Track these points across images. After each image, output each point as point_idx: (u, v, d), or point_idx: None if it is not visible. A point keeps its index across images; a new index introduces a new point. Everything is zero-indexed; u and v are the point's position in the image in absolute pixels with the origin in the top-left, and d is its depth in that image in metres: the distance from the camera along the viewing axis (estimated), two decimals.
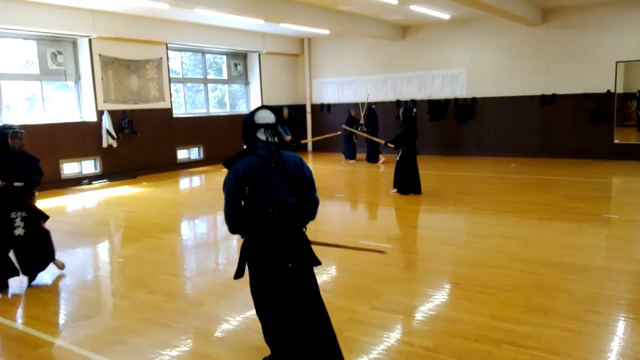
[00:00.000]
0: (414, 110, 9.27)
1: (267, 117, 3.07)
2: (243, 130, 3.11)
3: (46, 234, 5.20)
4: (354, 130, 13.21)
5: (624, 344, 3.49)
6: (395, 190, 9.14)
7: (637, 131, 13.42)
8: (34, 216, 5.08)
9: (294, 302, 3.00)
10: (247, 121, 3.09)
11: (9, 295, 4.85)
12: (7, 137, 4.81)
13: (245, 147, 3.11)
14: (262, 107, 3.13)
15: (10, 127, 4.85)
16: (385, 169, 12.63)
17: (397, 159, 9.12)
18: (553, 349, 3.38)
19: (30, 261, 5.01)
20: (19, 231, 4.93)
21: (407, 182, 9.03)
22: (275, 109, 3.17)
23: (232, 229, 3.09)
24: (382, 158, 13.73)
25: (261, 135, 3.05)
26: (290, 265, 3.01)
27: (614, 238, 6.28)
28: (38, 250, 5.07)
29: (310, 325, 3.03)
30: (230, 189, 3.00)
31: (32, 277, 5.08)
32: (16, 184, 4.81)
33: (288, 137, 9.87)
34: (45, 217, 5.22)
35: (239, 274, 3.13)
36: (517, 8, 11.30)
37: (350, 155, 14.39)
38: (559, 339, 3.53)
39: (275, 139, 3.07)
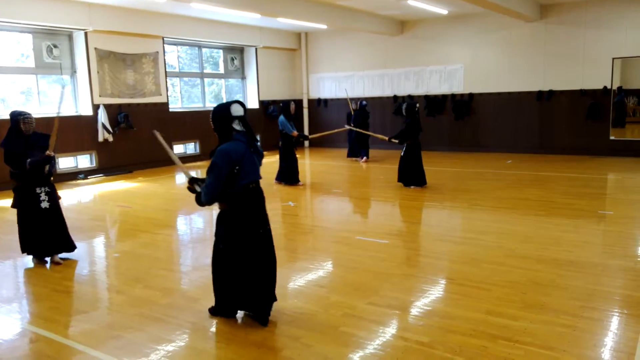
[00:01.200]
0: (417, 105, 9.32)
1: (240, 110, 3.74)
2: (218, 122, 3.74)
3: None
4: (361, 130, 12.38)
5: (618, 339, 3.50)
6: (401, 183, 9.41)
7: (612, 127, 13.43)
8: (55, 191, 5.55)
9: (264, 256, 3.84)
10: (224, 114, 3.71)
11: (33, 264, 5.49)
12: (19, 122, 5.22)
13: (220, 137, 3.75)
14: (235, 101, 3.75)
15: (20, 113, 5.29)
16: (366, 166, 12.59)
17: (402, 154, 9.32)
18: (548, 345, 3.39)
19: (55, 234, 5.49)
20: (45, 204, 5.38)
21: (410, 175, 9.26)
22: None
23: (211, 202, 3.76)
24: (364, 157, 13.18)
25: (237, 126, 3.73)
26: (265, 228, 3.84)
27: (610, 234, 6.30)
28: (62, 223, 5.58)
29: (269, 271, 3.90)
30: (224, 169, 3.63)
31: (58, 252, 5.58)
32: (48, 152, 5.23)
33: (295, 132, 9.83)
34: (58, 197, 5.65)
35: (225, 241, 3.79)
36: (514, 4, 11.29)
37: (355, 153, 13.76)
38: (554, 334, 3.54)
39: (244, 128, 3.76)
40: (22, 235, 5.47)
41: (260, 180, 3.90)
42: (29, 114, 5.30)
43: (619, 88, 13.54)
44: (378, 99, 15.73)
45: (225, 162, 3.62)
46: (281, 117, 9.70)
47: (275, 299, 3.99)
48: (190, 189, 4.01)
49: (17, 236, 5.51)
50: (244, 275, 3.78)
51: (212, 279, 3.97)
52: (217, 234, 3.88)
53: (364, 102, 13.45)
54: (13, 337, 3.84)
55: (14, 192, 5.39)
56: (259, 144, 3.94)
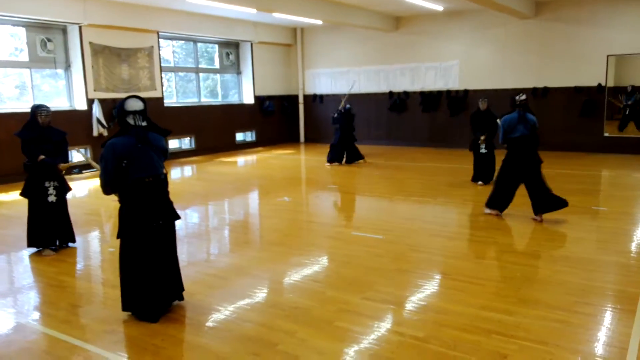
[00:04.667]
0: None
1: (135, 105, 3.82)
2: (117, 116, 3.87)
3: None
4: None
5: (611, 334, 3.53)
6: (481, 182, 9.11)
7: (619, 130, 13.43)
8: (65, 185, 5.80)
9: (160, 250, 3.86)
10: (119, 108, 3.82)
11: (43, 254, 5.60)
12: (37, 114, 5.46)
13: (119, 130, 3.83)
14: (132, 96, 3.86)
15: (38, 106, 5.53)
16: (332, 169, 11.75)
17: (486, 151, 9.05)
18: (542, 339, 3.42)
19: (60, 227, 5.72)
20: (52, 198, 5.61)
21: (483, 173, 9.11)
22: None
23: (106, 193, 3.89)
24: (333, 163, 11.99)
25: (130, 120, 3.81)
26: (161, 222, 3.85)
27: (603, 230, 6.34)
28: (67, 217, 5.82)
29: (167, 265, 3.91)
30: (109, 161, 3.70)
31: (61, 243, 5.81)
32: (61, 165, 5.60)
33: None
34: (69, 188, 5.92)
35: (120, 234, 3.84)
36: (509, 1, 11.29)
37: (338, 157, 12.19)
38: (548, 329, 3.57)
39: (144, 122, 3.85)
40: (29, 226, 5.63)
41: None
42: (47, 107, 5.53)
43: (633, 87, 13.32)
44: (373, 95, 15.73)
45: (110, 155, 3.70)
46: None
47: (179, 298, 4.06)
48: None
49: (12, 230, 5.52)
50: (135, 270, 3.81)
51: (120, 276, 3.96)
52: (119, 227, 3.92)
53: (348, 106, 12.11)
54: (8, 331, 3.83)
55: (25, 183, 5.62)
56: (162, 139, 4.02)
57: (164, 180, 3.97)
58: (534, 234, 6.06)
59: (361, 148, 12.52)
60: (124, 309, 3.91)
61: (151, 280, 3.81)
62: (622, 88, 13.10)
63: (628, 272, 4.74)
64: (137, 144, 3.74)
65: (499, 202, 6.80)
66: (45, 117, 5.48)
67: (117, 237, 3.87)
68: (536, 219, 6.51)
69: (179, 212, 4.22)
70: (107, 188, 3.85)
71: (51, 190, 5.61)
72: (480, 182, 9.12)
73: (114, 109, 3.95)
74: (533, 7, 12.84)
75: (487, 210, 6.90)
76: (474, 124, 9.29)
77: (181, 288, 4.10)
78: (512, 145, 6.56)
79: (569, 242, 5.67)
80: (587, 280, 4.49)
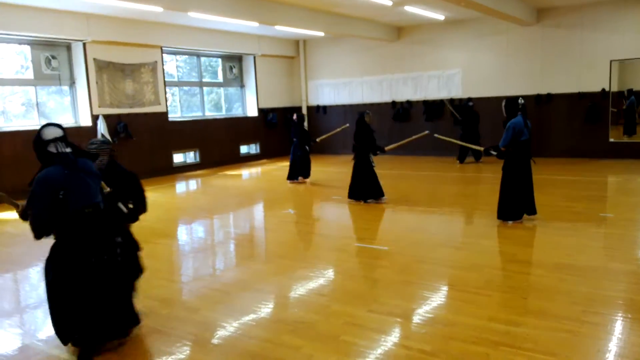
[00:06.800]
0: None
1: (53, 132, 3.50)
2: (35, 149, 3.48)
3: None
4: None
5: (622, 344, 3.48)
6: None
7: (624, 135, 13.40)
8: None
9: (98, 286, 3.48)
10: (36, 140, 3.47)
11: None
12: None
13: (41, 164, 3.47)
14: (48, 124, 3.53)
15: (91, 142, 4.29)
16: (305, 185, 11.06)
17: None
18: (551, 351, 3.37)
19: None
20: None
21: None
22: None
23: (40, 236, 3.44)
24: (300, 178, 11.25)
25: (53, 149, 3.46)
26: (105, 257, 3.49)
27: (611, 237, 6.28)
28: None
29: (105, 302, 3.53)
30: (45, 197, 3.34)
31: None
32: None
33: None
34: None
35: (51, 270, 3.48)
36: (511, 8, 11.32)
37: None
38: (557, 340, 3.52)
39: (68, 149, 3.51)
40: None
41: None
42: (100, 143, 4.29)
43: (629, 91, 13.34)
44: (377, 105, 15.74)
45: (45, 189, 3.35)
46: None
47: (122, 335, 3.72)
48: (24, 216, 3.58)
49: (18, 249, 5.47)
50: (66, 305, 3.49)
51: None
52: (47, 263, 3.55)
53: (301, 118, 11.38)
54: (12, 352, 3.82)
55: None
56: (92, 164, 3.66)
57: (102, 210, 3.57)
58: (539, 243, 6.00)
59: None
60: (64, 343, 3.63)
61: (84, 317, 3.48)
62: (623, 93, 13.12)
63: (637, 279, 4.68)
64: (68, 171, 3.41)
65: (515, 210, 6.74)
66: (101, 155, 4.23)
67: (46, 275, 3.53)
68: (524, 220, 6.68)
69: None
70: (42, 229, 3.43)
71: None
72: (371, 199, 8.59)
73: (33, 143, 3.47)
74: (534, 14, 12.85)
75: (510, 222, 6.79)
76: (369, 136, 8.53)
77: (128, 324, 3.74)
78: (518, 149, 6.61)
79: (576, 250, 5.61)
80: (595, 289, 4.44)
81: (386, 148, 8.85)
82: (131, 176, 4.31)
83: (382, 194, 8.64)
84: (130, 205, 4.14)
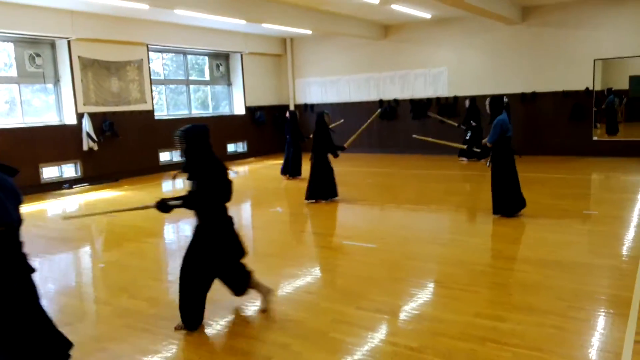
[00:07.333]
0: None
1: None
2: None
3: None
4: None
5: (605, 339, 3.53)
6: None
7: (607, 134, 13.62)
8: None
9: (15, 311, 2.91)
10: None
11: None
12: None
13: None
14: None
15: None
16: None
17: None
18: (536, 346, 3.41)
19: None
20: None
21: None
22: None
23: None
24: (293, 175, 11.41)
25: None
26: (14, 284, 2.91)
27: (595, 234, 6.36)
28: None
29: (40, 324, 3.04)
30: None
31: None
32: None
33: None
34: None
35: None
36: (496, 7, 11.40)
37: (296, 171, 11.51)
38: (542, 335, 3.56)
39: None
40: None
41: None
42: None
43: (609, 90, 13.52)
44: (365, 104, 15.77)
45: None
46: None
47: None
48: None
49: None
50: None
51: None
52: None
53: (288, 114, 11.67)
54: None
55: None
56: (10, 179, 3.07)
57: (17, 230, 3.05)
58: (525, 239, 6.07)
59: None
60: None
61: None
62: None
63: (620, 275, 4.75)
64: None
65: (511, 203, 6.88)
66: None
67: None
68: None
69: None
70: None
71: None
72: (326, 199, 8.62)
73: None
74: (520, 13, 12.96)
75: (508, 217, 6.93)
76: (327, 136, 8.52)
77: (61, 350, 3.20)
78: (504, 145, 6.80)
79: (561, 246, 5.68)
80: (579, 285, 4.50)
81: (345, 144, 8.82)
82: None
83: (336, 194, 8.68)
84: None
